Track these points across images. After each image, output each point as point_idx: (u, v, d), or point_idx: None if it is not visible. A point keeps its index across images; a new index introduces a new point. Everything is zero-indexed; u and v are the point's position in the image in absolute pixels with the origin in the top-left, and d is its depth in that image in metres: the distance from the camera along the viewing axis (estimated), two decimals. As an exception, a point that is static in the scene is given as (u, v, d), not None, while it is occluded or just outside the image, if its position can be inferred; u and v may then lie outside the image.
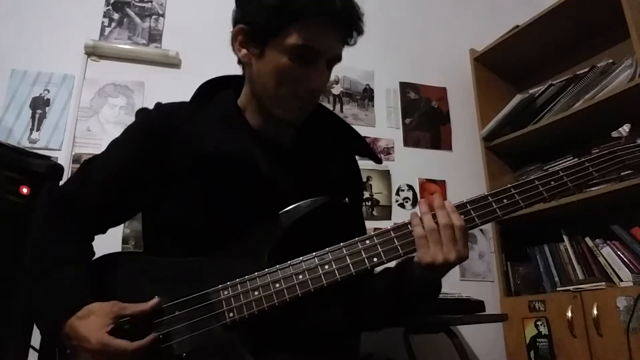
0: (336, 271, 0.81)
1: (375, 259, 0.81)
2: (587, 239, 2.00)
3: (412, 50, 2.51)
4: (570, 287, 1.88)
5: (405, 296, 0.89)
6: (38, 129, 1.89)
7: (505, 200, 0.84)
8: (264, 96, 0.91)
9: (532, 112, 2.20)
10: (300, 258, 0.82)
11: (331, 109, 2.22)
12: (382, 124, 2.34)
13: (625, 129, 0.89)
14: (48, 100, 1.92)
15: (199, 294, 0.81)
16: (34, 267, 0.89)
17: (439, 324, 1.66)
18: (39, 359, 0.94)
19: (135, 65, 2.05)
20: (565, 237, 2.08)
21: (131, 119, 1.00)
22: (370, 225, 1.07)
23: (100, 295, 0.82)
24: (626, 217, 1.90)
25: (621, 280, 1.81)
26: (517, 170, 2.37)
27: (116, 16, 2.12)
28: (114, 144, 0.97)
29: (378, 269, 0.87)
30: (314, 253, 0.83)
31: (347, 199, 0.97)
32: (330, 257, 0.82)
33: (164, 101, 0.98)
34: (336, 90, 2.31)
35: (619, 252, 1.86)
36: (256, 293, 0.80)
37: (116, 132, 1.89)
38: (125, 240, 1.81)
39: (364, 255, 0.82)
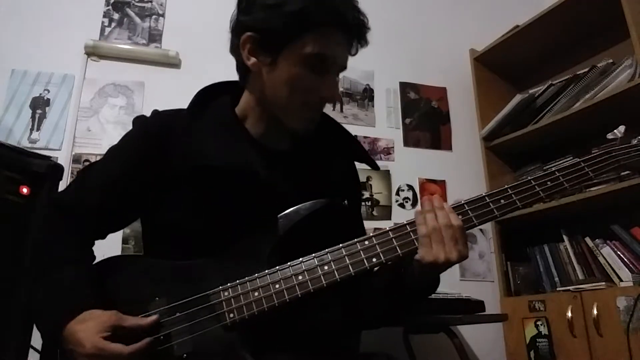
0: (335, 272, 0.81)
1: (374, 260, 0.82)
2: (587, 239, 2.00)
3: (412, 50, 2.51)
4: (570, 287, 1.88)
5: (404, 292, 0.90)
6: (38, 129, 1.89)
7: (502, 201, 0.85)
8: (275, 105, 0.91)
9: (532, 112, 2.20)
10: (300, 259, 0.83)
11: (331, 109, 2.23)
12: (382, 124, 2.34)
13: (620, 129, 0.90)
14: (48, 100, 1.92)
15: (200, 295, 0.82)
16: (34, 267, 0.89)
17: (439, 324, 1.66)
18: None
19: (135, 65, 2.05)
20: (565, 237, 2.08)
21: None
22: (370, 225, 1.08)
23: (100, 296, 0.82)
24: (626, 217, 1.90)
25: (621, 280, 1.81)
26: (517, 170, 2.37)
27: (116, 16, 2.12)
28: (111, 151, 0.97)
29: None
30: (313, 254, 0.83)
31: (346, 202, 0.97)
32: (330, 257, 0.82)
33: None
34: (336, 90, 2.30)
35: (619, 252, 1.86)
36: (256, 294, 0.81)
37: (116, 132, 1.94)
38: (125, 241, 1.81)
39: (363, 256, 0.82)
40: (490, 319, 1.87)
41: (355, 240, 0.83)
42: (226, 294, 0.81)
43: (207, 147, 0.90)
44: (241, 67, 0.94)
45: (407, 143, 2.34)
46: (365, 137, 2.26)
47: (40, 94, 1.92)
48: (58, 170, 1.22)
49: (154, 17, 2.17)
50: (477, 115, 2.43)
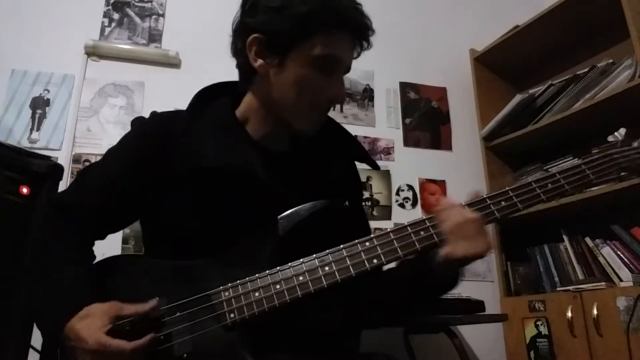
0: (336, 272, 0.81)
1: (375, 261, 0.82)
2: (587, 239, 2.00)
3: (412, 50, 2.51)
4: (570, 287, 1.88)
5: (428, 288, 0.92)
6: (38, 129, 1.89)
7: (503, 203, 0.86)
8: (283, 107, 0.91)
9: (532, 112, 2.20)
10: (301, 260, 0.83)
11: (332, 109, 2.22)
12: (382, 124, 2.34)
13: (621, 132, 0.91)
14: (48, 100, 1.92)
15: (200, 295, 0.82)
16: (34, 267, 0.89)
17: (439, 324, 1.66)
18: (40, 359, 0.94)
19: (135, 65, 2.05)
20: (565, 237, 2.08)
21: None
22: (370, 225, 1.07)
23: (101, 296, 0.82)
24: (626, 217, 1.90)
25: (621, 280, 1.81)
26: (517, 171, 2.37)
27: (116, 16, 2.12)
28: (111, 152, 0.97)
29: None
30: (314, 255, 0.83)
31: (347, 203, 0.97)
32: (331, 258, 0.82)
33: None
34: (336, 90, 2.30)
35: (619, 252, 1.86)
36: (257, 294, 0.81)
37: (116, 132, 1.94)
38: (125, 241, 1.81)
39: (363, 257, 0.82)
40: (490, 319, 1.87)
41: (356, 241, 0.83)
42: (227, 294, 0.81)
43: (206, 148, 0.89)
44: (246, 68, 0.93)
45: (407, 143, 2.34)
46: (365, 137, 2.26)
47: (40, 94, 1.92)
48: (58, 170, 1.22)
49: (154, 17, 2.16)
50: (477, 115, 2.43)
